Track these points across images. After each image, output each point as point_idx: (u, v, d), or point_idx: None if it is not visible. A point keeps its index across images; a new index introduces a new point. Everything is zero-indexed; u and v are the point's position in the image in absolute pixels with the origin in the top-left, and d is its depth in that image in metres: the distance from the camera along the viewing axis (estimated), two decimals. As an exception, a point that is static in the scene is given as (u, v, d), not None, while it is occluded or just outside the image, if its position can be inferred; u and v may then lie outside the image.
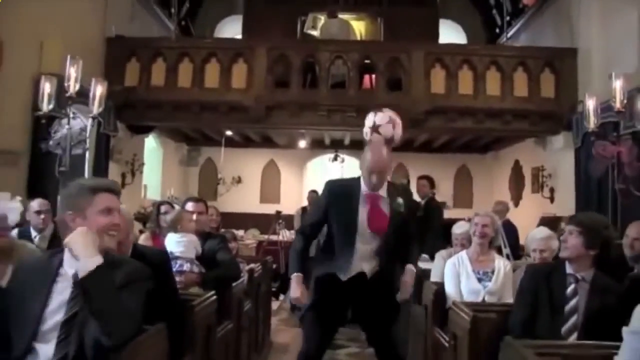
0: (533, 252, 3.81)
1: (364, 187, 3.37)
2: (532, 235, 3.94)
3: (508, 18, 11.69)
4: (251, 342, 4.76)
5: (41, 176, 6.80)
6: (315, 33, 10.83)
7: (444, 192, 12.79)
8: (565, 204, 8.78)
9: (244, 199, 13.16)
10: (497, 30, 12.49)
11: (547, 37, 10.13)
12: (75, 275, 2.19)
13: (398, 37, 10.99)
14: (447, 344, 3.44)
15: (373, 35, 11.57)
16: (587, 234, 2.84)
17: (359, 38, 11.05)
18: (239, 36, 12.49)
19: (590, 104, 5.75)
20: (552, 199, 9.80)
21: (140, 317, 2.16)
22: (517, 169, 11.78)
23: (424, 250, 6.32)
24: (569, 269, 2.84)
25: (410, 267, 3.41)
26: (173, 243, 3.81)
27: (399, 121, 3.81)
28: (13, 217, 2.91)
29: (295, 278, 3.31)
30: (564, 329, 2.76)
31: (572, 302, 2.80)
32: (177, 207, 4.39)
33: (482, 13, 13.28)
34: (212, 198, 12.26)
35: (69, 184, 2.46)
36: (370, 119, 3.75)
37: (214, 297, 3.33)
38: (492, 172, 13.25)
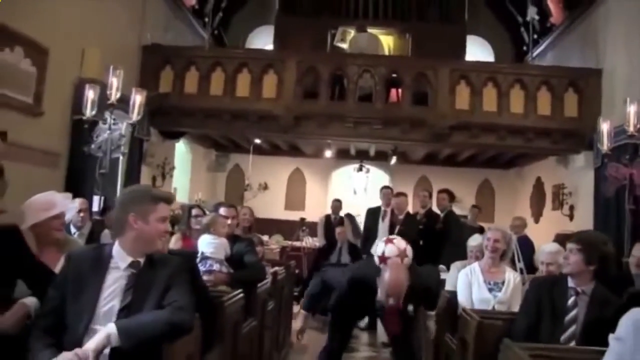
0: (541, 264, 4.04)
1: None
2: (542, 249, 4.16)
3: (535, 36, 11.86)
4: (273, 341, 5.03)
5: (79, 177, 7.15)
6: (344, 46, 11.12)
7: (466, 205, 12.98)
8: (584, 222, 8.90)
9: (269, 205, 13.44)
10: (525, 48, 12.65)
11: (574, 56, 10.29)
12: (127, 268, 2.50)
13: (425, 53, 11.25)
14: (454, 347, 3.67)
15: (401, 50, 11.85)
16: (586, 250, 3.07)
17: (387, 52, 11.33)
18: (270, 46, 12.88)
19: (605, 127, 5.96)
20: (571, 217, 9.93)
21: (193, 305, 2.47)
22: (538, 186, 11.90)
23: (441, 261, 6.57)
24: (570, 283, 3.07)
25: None
26: (205, 244, 4.11)
27: (408, 251, 3.77)
28: (68, 216, 3.23)
29: None
30: (563, 337, 2.99)
31: (572, 313, 3.03)
32: (207, 211, 4.69)
33: (509, 30, 13.40)
34: (239, 203, 12.53)
35: (134, 188, 2.80)
36: (380, 249, 3.79)
37: (242, 295, 3.60)
38: (515, 188, 13.37)
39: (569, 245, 3.18)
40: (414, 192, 12.34)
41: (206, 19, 11.71)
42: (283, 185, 14.11)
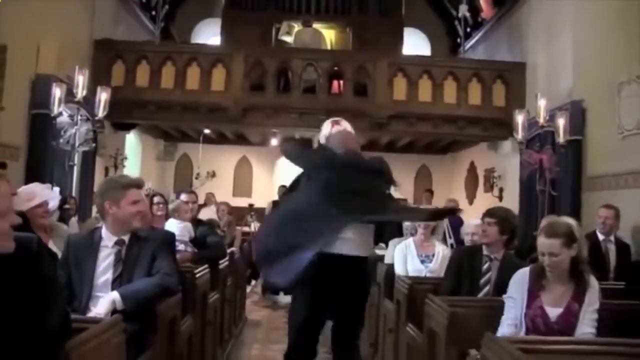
0: (466, 235, 4.77)
1: None
2: (467, 223, 4.89)
3: (468, 30, 12.67)
4: (231, 313, 5.58)
5: (38, 170, 7.47)
6: (289, 39, 11.66)
7: (406, 190, 13.76)
8: (511, 203, 9.70)
9: (217, 192, 13.82)
10: (459, 41, 13.46)
11: (502, 50, 11.14)
12: (114, 245, 3.02)
13: (365, 46, 11.92)
14: (392, 309, 4.32)
15: (343, 43, 12.47)
16: (500, 223, 3.75)
17: (329, 46, 11.94)
18: (217, 37, 13.29)
19: (519, 118, 6.73)
20: (500, 198, 10.79)
21: (177, 271, 3.02)
22: (472, 170, 12.77)
23: (383, 239, 7.23)
24: (485, 251, 3.75)
25: None
26: (173, 228, 4.61)
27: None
28: (53, 204, 3.68)
29: None
30: (480, 295, 3.66)
31: (487, 276, 3.70)
32: (172, 198, 5.18)
33: (445, 22, 14.20)
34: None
35: (107, 179, 3.30)
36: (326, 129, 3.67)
37: (208, 270, 4.14)
38: (451, 172, 14.23)
39: (487, 219, 3.84)
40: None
41: (153, 12, 12.09)
42: (230, 172, 14.59)
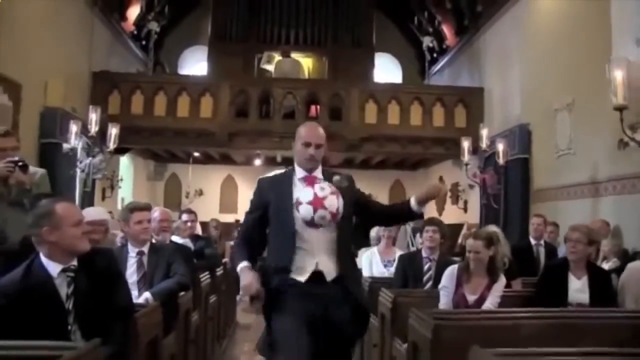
0: (421, 244, 5.78)
1: (299, 172, 3.18)
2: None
3: (435, 55, 13.82)
4: (225, 314, 6.55)
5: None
6: (269, 68, 12.72)
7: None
8: (474, 214, 10.83)
9: (205, 209, 14.79)
10: (426, 65, 14.59)
11: (464, 75, 12.29)
12: (137, 255, 3.98)
13: (340, 73, 13.04)
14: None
15: (319, 71, 13.58)
16: (440, 231, 4.79)
17: (307, 74, 13.01)
18: (203, 63, 14.32)
19: (465, 144, 7.81)
20: (465, 210, 11.88)
21: (189, 272, 4.01)
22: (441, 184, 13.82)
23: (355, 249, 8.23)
24: (424, 254, 4.77)
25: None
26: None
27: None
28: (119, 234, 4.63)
29: (241, 268, 2.99)
30: (425, 288, 4.68)
31: (428, 275, 4.72)
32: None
33: (414, 47, 15.32)
34: (176, 209, 13.90)
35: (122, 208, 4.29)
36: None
37: (208, 276, 5.13)
38: (422, 187, 15.03)
39: (432, 228, 4.87)
40: (335, 193, 14.03)
41: (144, 42, 13.11)
42: (217, 190, 15.57)
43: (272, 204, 3.12)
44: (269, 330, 3.02)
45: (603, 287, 4.11)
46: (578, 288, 4.09)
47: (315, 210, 2.86)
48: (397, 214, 3.57)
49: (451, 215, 12.86)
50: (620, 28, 6.39)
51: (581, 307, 3.88)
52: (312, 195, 2.88)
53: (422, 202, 3.28)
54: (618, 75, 3.79)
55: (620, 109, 3.79)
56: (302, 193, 2.94)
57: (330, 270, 3.00)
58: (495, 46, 10.59)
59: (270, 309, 3.00)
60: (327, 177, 3.17)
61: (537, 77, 8.79)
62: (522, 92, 9.34)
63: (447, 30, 13.06)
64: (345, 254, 3.13)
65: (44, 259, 2.70)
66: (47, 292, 2.64)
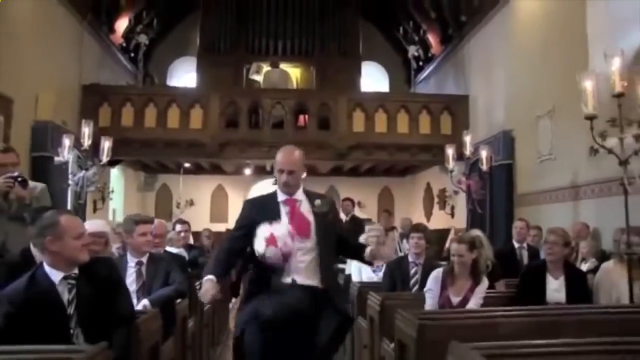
0: (408, 250, 5.97)
1: (280, 196, 3.39)
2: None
3: (421, 63, 14.07)
4: (220, 321, 6.71)
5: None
6: (258, 78, 12.92)
7: (370, 210, 15.05)
8: (461, 219, 11.04)
9: (196, 219, 14.91)
10: (413, 73, 14.84)
11: (449, 83, 12.54)
12: (136, 265, 4.14)
13: (328, 82, 13.25)
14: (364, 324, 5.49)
15: (307, 81, 13.80)
16: (425, 237, 4.99)
17: (295, 84, 13.22)
18: (192, 74, 14.50)
19: (449, 151, 8.03)
20: (452, 215, 12.09)
21: (186, 279, 4.16)
22: (428, 190, 14.08)
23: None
24: (410, 259, 4.97)
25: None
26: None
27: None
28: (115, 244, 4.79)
29: (206, 279, 3.26)
30: (412, 292, 4.87)
31: (414, 278, 4.91)
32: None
33: (401, 55, 15.57)
34: (167, 219, 14.04)
35: (125, 218, 4.44)
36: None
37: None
38: (410, 193, 15.54)
39: (417, 235, 5.07)
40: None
41: (132, 54, 13.28)
42: (207, 200, 15.69)
43: (257, 224, 3.26)
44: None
45: (579, 287, 4.33)
46: (555, 288, 4.30)
47: (267, 246, 3.14)
48: (353, 255, 3.76)
49: (439, 220, 13.09)
50: (595, 39, 6.67)
51: (559, 306, 4.09)
52: (268, 233, 3.15)
53: (371, 259, 3.48)
54: (588, 86, 4.02)
55: (590, 118, 4.01)
56: (262, 229, 3.20)
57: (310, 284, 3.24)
58: (479, 54, 10.85)
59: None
60: (310, 199, 3.40)
61: (520, 84, 9.04)
62: (506, 100, 9.59)
63: (432, 38, 13.32)
64: (327, 274, 3.33)
65: (47, 268, 2.88)
66: (50, 298, 2.81)
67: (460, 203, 11.40)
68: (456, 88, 11.97)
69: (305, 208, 3.37)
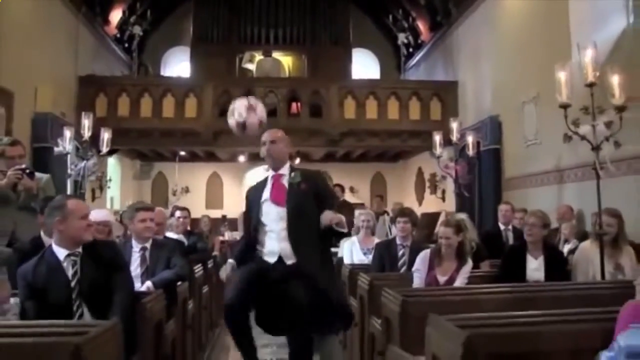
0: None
1: (270, 173, 3.86)
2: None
3: (411, 50, 14.28)
4: (218, 306, 6.97)
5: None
6: (251, 67, 13.13)
7: (363, 195, 15.34)
8: (452, 203, 11.31)
9: (192, 205, 15.09)
10: (403, 59, 15.05)
11: (439, 69, 12.77)
12: (140, 250, 4.40)
13: (319, 70, 13.47)
14: (354, 303, 5.75)
15: (299, 69, 14.01)
16: (411, 220, 5.25)
17: (287, 72, 13.43)
18: (185, 63, 14.69)
19: (437, 138, 8.28)
20: (443, 199, 12.37)
21: (187, 264, 4.43)
22: (420, 175, 14.35)
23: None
24: (398, 241, 5.23)
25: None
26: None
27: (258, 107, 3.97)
28: (115, 232, 5.03)
29: (228, 263, 3.87)
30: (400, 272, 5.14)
31: (402, 259, 5.17)
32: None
33: (391, 42, 15.76)
34: (164, 206, 14.26)
35: (128, 207, 4.69)
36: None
37: (201, 267, 5.56)
38: (402, 178, 15.82)
39: (403, 219, 5.32)
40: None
41: (126, 45, 13.45)
42: (203, 187, 15.95)
43: (250, 202, 3.85)
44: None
45: (557, 266, 4.59)
46: (535, 267, 4.57)
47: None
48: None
49: (430, 204, 13.36)
50: (577, 28, 6.90)
51: (536, 283, 4.36)
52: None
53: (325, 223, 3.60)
54: (562, 76, 4.27)
55: (564, 106, 4.26)
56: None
57: (288, 255, 3.64)
58: (467, 41, 11.08)
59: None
60: (291, 172, 3.83)
61: (506, 71, 9.29)
62: (493, 86, 9.84)
63: (421, 25, 13.53)
64: (303, 244, 3.64)
65: (54, 247, 3.24)
66: (56, 272, 3.18)
67: (451, 187, 11.67)
68: (445, 74, 12.21)
69: (285, 180, 3.77)
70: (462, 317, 2.62)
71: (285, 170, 3.81)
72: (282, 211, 3.67)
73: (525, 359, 2.48)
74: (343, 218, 3.57)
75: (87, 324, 2.65)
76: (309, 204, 3.69)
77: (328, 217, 3.52)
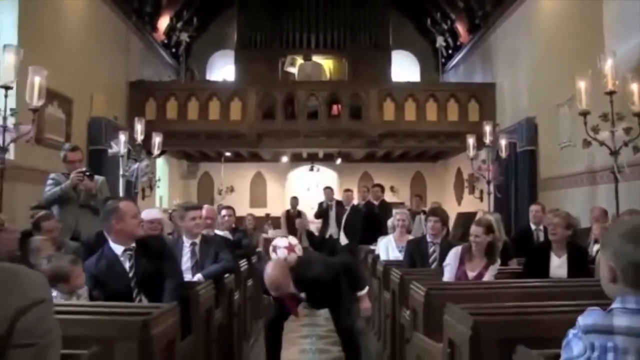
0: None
1: None
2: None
3: (450, 51, 14.50)
4: (261, 299, 7.39)
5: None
6: (293, 70, 13.56)
7: (403, 194, 15.62)
8: (489, 203, 11.49)
9: (236, 204, 15.56)
10: (443, 60, 15.25)
11: (477, 71, 12.97)
12: (190, 246, 4.83)
13: (359, 73, 13.83)
14: (377, 282, 6.11)
15: (339, 72, 14.41)
16: (441, 220, 5.56)
17: (328, 75, 13.83)
18: (230, 66, 15.22)
19: (471, 141, 8.54)
20: (481, 199, 12.54)
21: (233, 259, 4.86)
22: (459, 175, 14.54)
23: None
24: (429, 239, 5.55)
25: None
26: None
27: (297, 248, 5.09)
28: (167, 229, 5.51)
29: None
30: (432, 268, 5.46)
31: (433, 256, 5.49)
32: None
33: (430, 45, 15.96)
34: (209, 205, 14.84)
35: (177, 207, 5.15)
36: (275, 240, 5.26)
37: (246, 263, 5.98)
38: (442, 177, 16.02)
39: (433, 218, 5.64)
40: (359, 185, 14.79)
41: (173, 50, 14.05)
42: (247, 186, 16.46)
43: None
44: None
45: (580, 263, 4.84)
46: (558, 265, 4.83)
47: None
48: None
49: (469, 204, 13.55)
50: (611, 29, 7.07)
51: (557, 279, 4.63)
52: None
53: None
54: (582, 85, 4.52)
55: (584, 114, 4.51)
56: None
57: None
58: (505, 43, 11.26)
59: None
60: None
61: (542, 72, 9.46)
62: (529, 87, 10.02)
63: (460, 27, 13.74)
64: None
65: (112, 244, 3.68)
66: (116, 265, 3.62)
67: (486, 188, 11.85)
68: (483, 76, 12.41)
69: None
70: (474, 306, 2.92)
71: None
72: None
73: (531, 344, 2.79)
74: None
75: (150, 306, 3.09)
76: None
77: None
